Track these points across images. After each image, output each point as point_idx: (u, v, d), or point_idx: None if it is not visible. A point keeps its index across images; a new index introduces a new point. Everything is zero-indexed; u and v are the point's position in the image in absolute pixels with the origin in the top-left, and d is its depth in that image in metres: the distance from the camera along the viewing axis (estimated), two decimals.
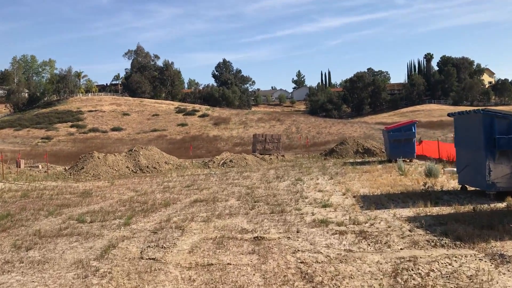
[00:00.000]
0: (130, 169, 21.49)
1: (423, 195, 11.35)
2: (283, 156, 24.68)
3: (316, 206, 10.84)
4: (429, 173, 14.61)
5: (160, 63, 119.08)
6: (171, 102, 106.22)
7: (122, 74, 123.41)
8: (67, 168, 22.97)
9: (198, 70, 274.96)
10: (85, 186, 17.35)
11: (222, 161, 22.76)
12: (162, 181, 17.63)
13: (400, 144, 20.08)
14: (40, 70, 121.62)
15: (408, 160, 20.24)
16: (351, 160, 22.28)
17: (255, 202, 11.86)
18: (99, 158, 21.53)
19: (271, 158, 23.60)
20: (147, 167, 21.68)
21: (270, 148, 25.20)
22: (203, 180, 17.45)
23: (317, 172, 18.06)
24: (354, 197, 11.86)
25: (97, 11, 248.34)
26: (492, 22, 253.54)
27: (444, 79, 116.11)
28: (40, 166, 24.38)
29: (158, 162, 22.25)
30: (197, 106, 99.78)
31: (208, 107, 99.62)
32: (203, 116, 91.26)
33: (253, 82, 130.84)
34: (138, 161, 22.03)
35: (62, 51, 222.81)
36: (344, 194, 12.35)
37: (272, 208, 10.84)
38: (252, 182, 16.19)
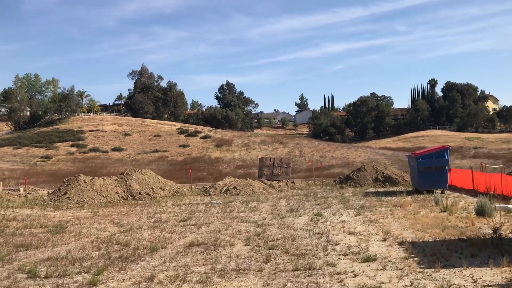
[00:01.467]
0: (120, 196, 18.52)
1: (494, 245, 8.37)
2: (293, 182, 21.69)
3: (354, 260, 7.85)
4: (481, 211, 11.64)
5: (164, 84, 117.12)
6: (173, 123, 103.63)
7: (125, 94, 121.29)
8: (50, 192, 20.01)
9: (201, 92, 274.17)
10: (63, 217, 14.36)
11: (225, 187, 19.78)
12: (154, 212, 14.64)
13: (430, 173, 17.14)
14: (43, 89, 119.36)
15: (439, 192, 17.27)
16: (372, 190, 19.29)
17: (269, 249, 8.86)
18: (85, 182, 18.59)
19: (280, 185, 20.61)
20: (140, 193, 18.71)
21: (278, 173, 22.24)
22: (202, 211, 14.46)
23: (338, 205, 15.07)
24: (400, 244, 8.87)
25: (103, 32, 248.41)
26: (494, 50, 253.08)
27: (449, 105, 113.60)
28: (21, 189, 21.43)
29: (152, 188, 19.30)
30: (199, 128, 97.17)
31: (211, 128, 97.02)
32: (205, 137, 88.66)
33: (256, 104, 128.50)
34: (130, 186, 19.08)
35: (67, 71, 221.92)
36: (385, 240, 9.35)
37: (295, 261, 7.86)
38: (262, 216, 13.20)
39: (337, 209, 14.01)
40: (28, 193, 20.81)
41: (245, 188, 19.24)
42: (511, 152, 73.20)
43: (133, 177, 19.62)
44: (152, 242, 9.88)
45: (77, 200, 17.58)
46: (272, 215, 13.36)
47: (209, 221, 12.61)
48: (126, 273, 7.49)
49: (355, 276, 6.89)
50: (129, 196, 18.57)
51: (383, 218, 12.07)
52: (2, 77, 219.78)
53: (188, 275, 7.18)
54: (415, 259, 7.71)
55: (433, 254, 7.96)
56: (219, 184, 20.24)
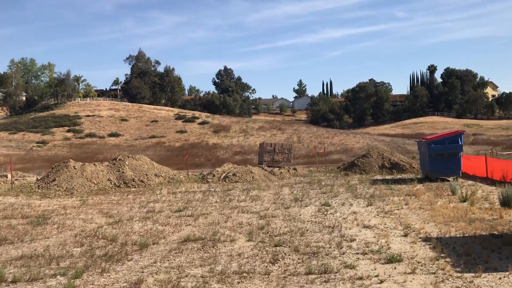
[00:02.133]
0: (112, 183, 17.32)
1: None
2: (295, 169, 20.50)
3: (376, 260, 6.69)
4: (506, 202, 10.50)
5: (160, 69, 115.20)
6: (171, 108, 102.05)
7: (122, 79, 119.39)
8: (38, 179, 18.81)
9: (199, 78, 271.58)
10: (49, 205, 13.18)
11: (224, 174, 18.59)
12: (147, 201, 13.47)
13: (443, 159, 15.97)
14: (39, 73, 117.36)
15: (452, 179, 16.15)
16: (379, 177, 18.13)
17: (276, 246, 7.71)
18: (75, 168, 17.37)
19: (281, 172, 19.43)
20: (133, 180, 17.51)
21: (279, 159, 21.05)
22: (199, 201, 13.28)
23: (345, 193, 13.90)
24: (425, 241, 7.72)
25: (99, 17, 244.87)
26: (493, 37, 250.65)
27: (448, 91, 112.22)
28: (9, 176, 20.21)
29: (146, 175, 18.11)
30: (197, 113, 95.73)
31: (208, 114, 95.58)
32: (203, 123, 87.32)
33: (253, 90, 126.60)
34: (123, 172, 17.88)
35: (64, 56, 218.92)
36: (406, 235, 8.20)
37: (306, 261, 6.71)
38: (264, 206, 12.03)
39: (346, 198, 12.85)
40: (16, 179, 19.62)
41: (244, 175, 18.06)
42: (510, 138, 72.29)
43: (127, 163, 18.42)
44: (143, 237, 8.71)
45: (66, 187, 16.38)
46: (276, 204, 12.20)
47: (207, 211, 11.44)
48: (109, 275, 6.33)
49: (381, 282, 5.74)
50: (122, 183, 17.38)
51: (398, 209, 10.92)
52: None
53: (182, 280, 6.02)
54: (447, 259, 6.56)
55: (468, 253, 6.81)
56: (217, 171, 19.06)
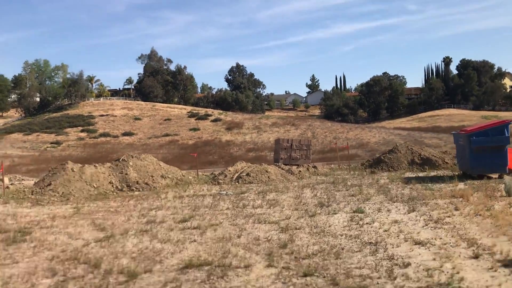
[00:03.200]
0: (114, 186, 15.48)
1: None
2: (315, 167, 18.43)
3: None
4: None
5: (173, 67, 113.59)
6: (184, 106, 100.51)
7: (135, 79, 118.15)
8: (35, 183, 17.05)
9: (211, 76, 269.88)
10: (37, 215, 11.33)
11: (237, 174, 16.61)
12: (149, 208, 11.55)
13: (485, 154, 13.80)
14: (53, 74, 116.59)
15: (495, 177, 13.98)
16: (410, 174, 15.99)
17: (305, 275, 5.70)
18: (73, 171, 15.57)
19: (300, 171, 17.38)
20: (137, 182, 15.65)
21: (297, 156, 18.99)
22: (208, 207, 11.31)
23: (377, 195, 11.83)
24: (507, 266, 5.65)
25: (112, 18, 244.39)
26: (506, 28, 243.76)
27: (464, 83, 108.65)
28: (6, 180, 18.49)
29: (152, 176, 16.25)
30: (209, 111, 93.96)
31: (221, 111, 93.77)
32: (215, 120, 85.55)
33: (264, 86, 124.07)
34: (126, 174, 16.04)
35: (77, 57, 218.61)
36: (476, 257, 6.13)
37: None
38: (285, 213, 10.03)
39: (380, 202, 10.78)
40: (12, 183, 17.88)
41: (259, 175, 16.06)
42: None
43: (130, 163, 16.55)
44: (134, 260, 6.78)
45: (63, 193, 14.55)
46: (298, 211, 10.19)
47: (216, 221, 9.47)
48: None
49: None
50: (125, 186, 15.51)
51: (449, 216, 8.83)
52: (13, 64, 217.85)
53: None
54: None
55: None
56: (229, 171, 17.07)
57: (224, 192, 13.56)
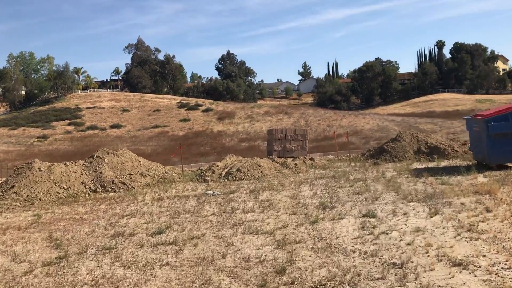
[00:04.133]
0: (87, 186, 13.73)
1: None
2: (312, 159, 16.76)
3: None
4: None
5: (161, 56, 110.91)
6: (173, 96, 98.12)
7: (123, 70, 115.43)
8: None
9: (201, 66, 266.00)
10: None
11: (226, 170, 14.88)
12: (121, 214, 9.83)
13: (506, 141, 12.20)
14: (39, 67, 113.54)
15: None
16: (419, 165, 14.35)
17: None
18: (40, 171, 13.79)
19: (296, 164, 15.67)
20: (113, 182, 13.91)
21: (292, 148, 17.30)
22: (190, 212, 9.60)
23: (387, 192, 10.17)
24: None
25: (98, 8, 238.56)
26: (501, 10, 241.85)
27: (458, 66, 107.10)
28: None
29: (130, 174, 14.51)
30: (200, 101, 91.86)
31: (212, 101, 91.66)
32: (206, 110, 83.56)
33: (255, 74, 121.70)
34: (101, 172, 14.29)
35: (64, 49, 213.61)
36: None
37: None
38: (281, 219, 8.35)
39: (393, 202, 9.13)
40: None
41: (251, 171, 14.36)
42: None
43: (106, 160, 14.77)
44: None
45: (27, 196, 12.77)
46: (296, 216, 8.51)
47: (198, 232, 7.78)
48: None
49: None
50: (99, 186, 13.75)
51: (482, 221, 7.19)
52: None
53: None
54: None
55: None
56: (217, 166, 15.33)
57: (211, 192, 11.84)
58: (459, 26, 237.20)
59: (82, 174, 14.16)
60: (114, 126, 79.20)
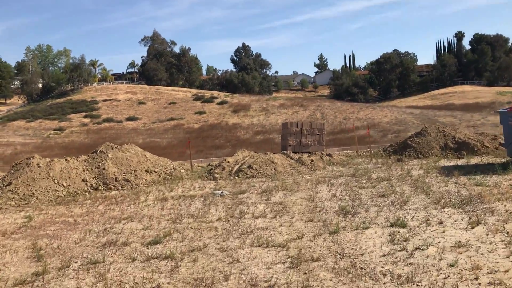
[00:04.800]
0: (88, 184, 12.80)
1: None
2: (329, 155, 15.57)
3: None
4: None
5: (177, 49, 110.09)
6: (189, 89, 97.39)
7: (139, 63, 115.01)
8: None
9: (217, 58, 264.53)
10: None
11: (237, 166, 13.79)
12: (119, 217, 8.81)
13: None
14: (56, 60, 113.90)
15: None
16: (447, 163, 13.07)
17: None
18: (39, 167, 12.89)
19: (312, 160, 14.50)
20: (116, 179, 12.95)
21: (308, 143, 16.11)
22: (194, 216, 8.53)
23: (416, 195, 8.96)
24: None
25: (115, 2, 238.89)
26: None
27: (478, 58, 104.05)
28: None
29: (135, 171, 13.53)
30: (215, 93, 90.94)
31: (227, 93, 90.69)
32: (221, 103, 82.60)
33: (270, 66, 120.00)
34: (104, 169, 13.34)
35: (81, 42, 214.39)
36: None
37: None
38: (296, 227, 7.22)
39: (424, 207, 7.92)
40: None
41: (264, 167, 13.24)
42: None
43: (109, 156, 13.80)
44: None
45: (24, 194, 11.87)
46: (313, 224, 7.38)
47: (200, 242, 6.70)
48: None
49: None
50: (101, 183, 12.80)
51: None
52: (16, 50, 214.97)
53: None
54: None
55: None
56: (228, 162, 14.24)
57: (219, 192, 10.76)
58: (479, 16, 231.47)
59: (83, 171, 13.22)
60: (130, 119, 78.84)
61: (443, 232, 6.39)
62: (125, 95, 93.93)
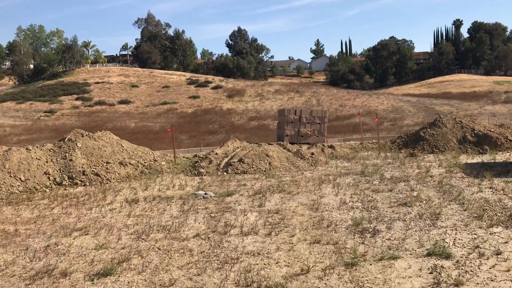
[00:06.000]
0: (51, 178, 10.83)
1: None
2: (331, 147, 13.62)
3: None
4: None
5: (171, 32, 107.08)
6: (183, 73, 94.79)
7: (133, 45, 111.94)
8: None
9: (212, 42, 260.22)
10: None
11: (226, 159, 11.82)
12: (71, 229, 6.83)
13: None
14: (48, 40, 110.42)
15: None
16: (470, 159, 11.18)
17: None
18: None
19: (312, 153, 12.55)
20: (83, 173, 10.96)
21: (308, 132, 14.14)
22: (167, 229, 6.56)
23: (446, 204, 7.03)
24: None
25: None
26: None
27: (476, 46, 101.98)
28: None
29: (107, 163, 11.54)
30: (210, 77, 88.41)
31: (222, 78, 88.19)
32: (216, 88, 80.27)
33: (268, 50, 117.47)
34: (71, 160, 11.36)
35: (74, 23, 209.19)
36: None
37: None
38: (296, 253, 5.28)
39: (464, 225, 5.99)
40: None
41: (257, 161, 11.27)
42: None
43: (79, 145, 11.76)
44: None
45: None
46: (321, 247, 5.43)
47: (165, 276, 4.75)
48: None
49: None
50: (66, 178, 10.79)
51: None
52: (7, 30, 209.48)
53: None
54: None
55: None
56: (216, 154, 12.23)
57: (202, 193, 8.77)
58: (478, 4, 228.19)
59: (47, 162, 11.19)
60: (122, 102, 76.40)
61: (508, 271, 4.47)
62: (118, 77, 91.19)
